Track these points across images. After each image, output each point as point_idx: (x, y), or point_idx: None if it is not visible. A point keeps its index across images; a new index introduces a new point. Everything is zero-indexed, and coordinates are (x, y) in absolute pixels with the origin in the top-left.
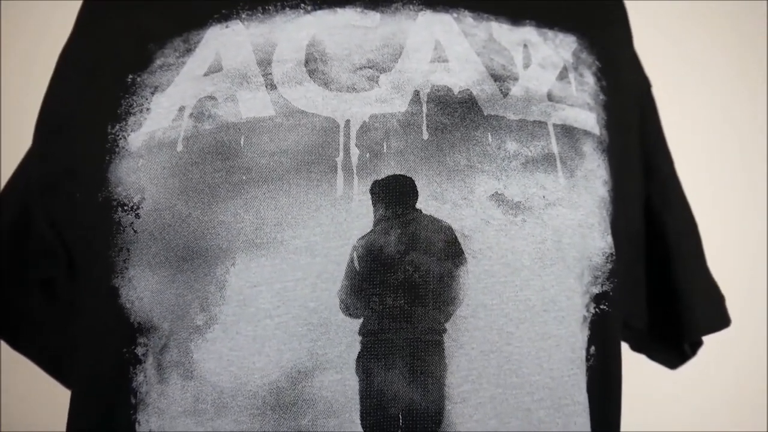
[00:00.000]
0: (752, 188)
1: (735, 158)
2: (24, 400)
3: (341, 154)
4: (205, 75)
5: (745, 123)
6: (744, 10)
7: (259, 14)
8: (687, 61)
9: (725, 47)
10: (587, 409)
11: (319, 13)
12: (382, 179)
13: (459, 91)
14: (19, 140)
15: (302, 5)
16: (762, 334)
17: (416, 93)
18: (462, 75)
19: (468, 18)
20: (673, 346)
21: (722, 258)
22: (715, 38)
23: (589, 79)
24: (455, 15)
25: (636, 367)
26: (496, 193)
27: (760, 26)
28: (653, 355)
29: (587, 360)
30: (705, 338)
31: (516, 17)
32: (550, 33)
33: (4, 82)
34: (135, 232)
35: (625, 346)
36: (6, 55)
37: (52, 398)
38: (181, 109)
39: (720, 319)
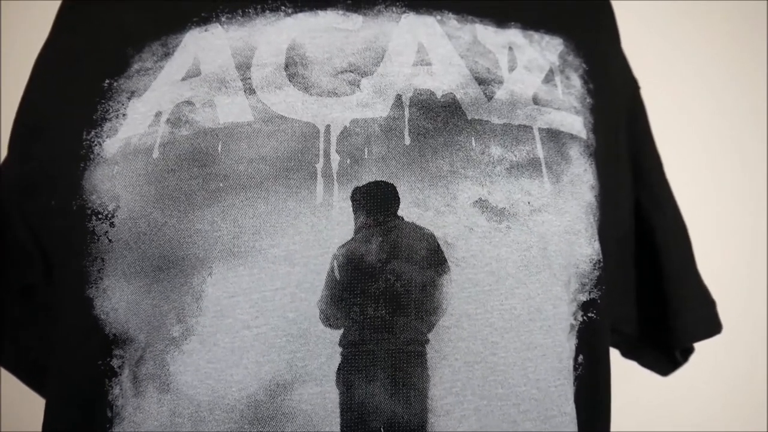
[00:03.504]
0: (752, 189)
1: (735, 159)
2: (24, 400)
3: (321, 160)
4: (183, 79)
5: (745, 124)
6: (743, 10)
7: (239, 17)
8: (687, 62)
9: (725, 47)
10: (575, 420)
11: (300, 15)
12: (363, 186)
13: (442, 95)
14: None
15: (283, 8)
16: (762, 334)
17: (398, 97)
18: (445, 78)
19: (452, 20)
20: (664, 353)
21: (722, 257)
22: (715, 38)
23: (576, 81)
24: (439, 17)
25: (635, 367)
26: (480, 199)
27: (760, 26)
28: (644, 362)
29: (575, 369)
30: (702, 341)
31: (501, 19)
32: (536, 35)
33: (4, 82)
34: (110, 241)
35: (615, 353)
36: (6, 55)
37: None
38: (158, 114)
39: (710, 326)
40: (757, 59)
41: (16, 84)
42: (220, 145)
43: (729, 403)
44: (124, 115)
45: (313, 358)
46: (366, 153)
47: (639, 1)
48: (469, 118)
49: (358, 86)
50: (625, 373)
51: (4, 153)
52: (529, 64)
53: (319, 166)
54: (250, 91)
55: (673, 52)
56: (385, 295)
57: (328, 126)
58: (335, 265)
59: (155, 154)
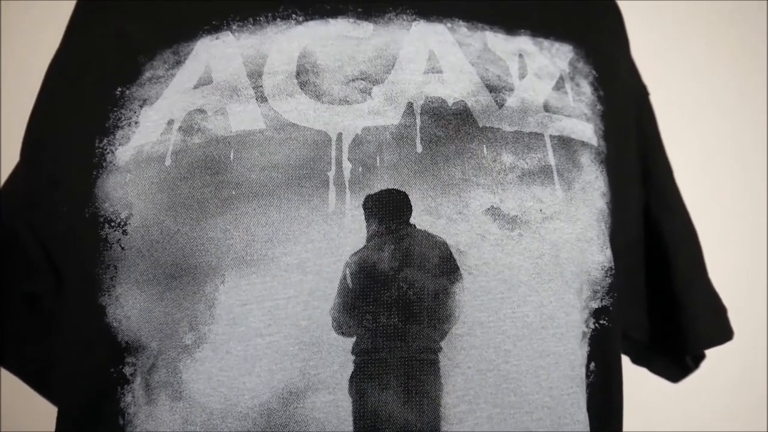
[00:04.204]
0: (752, 189)
1: (735, 159)
2: (24, 400)
3: (333, 168)
4: (195, 87)
5: (745, 124)
6: (743, 10)
7: (250, 25)
8: (687, 62)
9: (725, 47)
10: (588, 428)
11: (311, 23)
12: (375, 194)
13: (453, 103)
14: (20, 141)
15: (294, 16)
16: (762, 334)
17: (410, 105)
18: (456, 86)
19: (462, 28)
20: (675, 359)
21: (722, 257)
22: (715, 38)
23: (586, 88)
24: (449, 25)
25: (634, 368)
26: (492, 207)
27: (760, 26)
28: (654, 368)
29: (587, 377)
30: (713, 347)
31: (511, 26)
32: (545, 42)
33: (4, 82)
34: (122, 249)
35: (625, 359)
36: (6, 55)
37: None
38: (170, 122)
39: (722, 332)
40: (757, 59)
41: (16, 84)
42: (232, 153)
43: (729, 403)
44: (136, 123)
45: (325, 366)
46: (378, 161)
47: (639, 2)
48: (480, 125)
49: (370, 94)
50: (626, 374)
51: (5, 152)
52: (540, 72)
53: (331, 174)
54: (261, 98)
55: (673, 52)
56: (398, 303)
57: (340, 134)
58: (348, 273)
59: (167, 162)
